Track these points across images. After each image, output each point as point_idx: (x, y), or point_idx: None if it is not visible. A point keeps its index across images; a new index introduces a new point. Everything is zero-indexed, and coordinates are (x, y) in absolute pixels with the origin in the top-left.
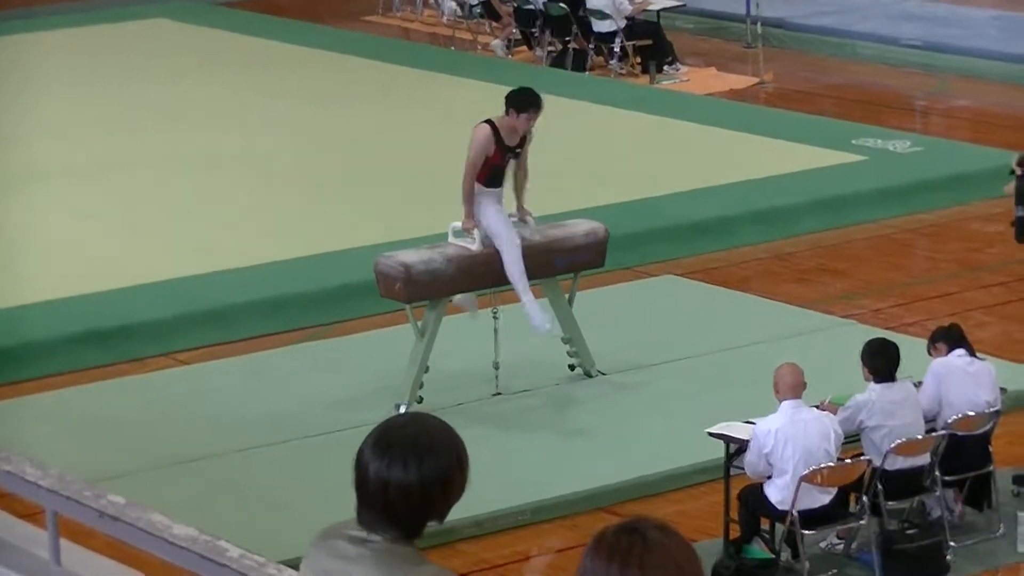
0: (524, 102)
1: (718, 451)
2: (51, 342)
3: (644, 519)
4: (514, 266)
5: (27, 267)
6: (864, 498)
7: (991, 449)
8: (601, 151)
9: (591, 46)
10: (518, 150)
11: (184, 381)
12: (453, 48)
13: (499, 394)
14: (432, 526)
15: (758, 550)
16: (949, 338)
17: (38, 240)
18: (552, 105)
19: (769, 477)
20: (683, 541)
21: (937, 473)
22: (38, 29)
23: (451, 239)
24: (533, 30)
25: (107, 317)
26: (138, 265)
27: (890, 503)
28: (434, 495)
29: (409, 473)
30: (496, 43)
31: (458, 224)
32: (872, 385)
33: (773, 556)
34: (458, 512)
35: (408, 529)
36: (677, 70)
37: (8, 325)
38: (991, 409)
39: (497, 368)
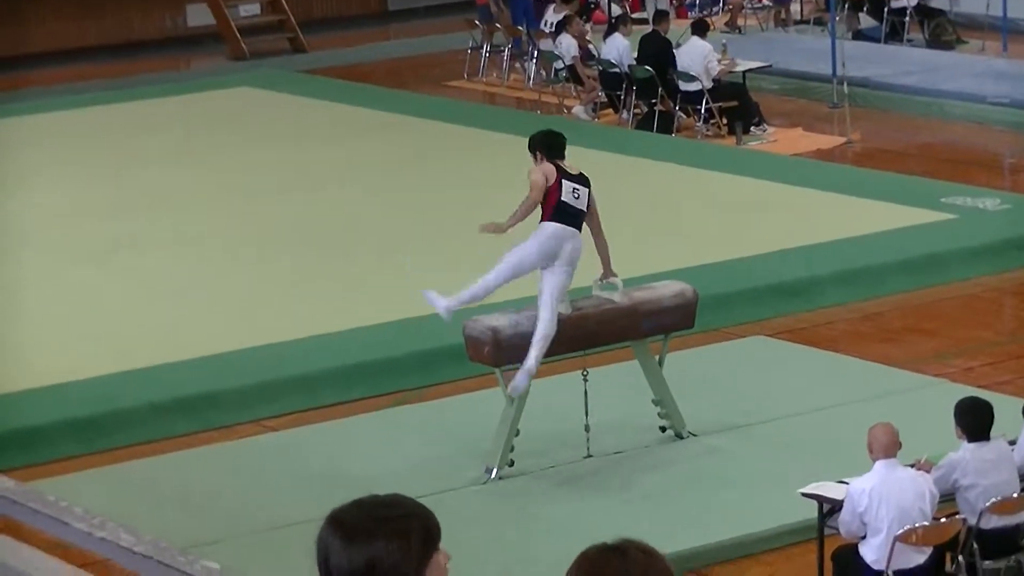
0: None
1: (811, 511)
2: (141, 410)
3: (629, 540)
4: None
5: (115, 338)
6: (960, 557)
7: None
8: (688, 212)
9: (677, 108)
10: (584, 178)
11: (273, 447)
12: (539, 112)
13: (590, 456)
14: None
15: None
16: None
17: (123, 311)
18: (639, 167)
19: (863, 537)
20: (665, 564)
21: None
22: (122, 100)
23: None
24: (619, 93)
25: (194, 385)
26: (224, 334)
27: (986, 562)
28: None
29: (342, 557)
30: (578, 108)
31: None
32: (965, 444)
33: None
34: None
35: None
36: (764, 131)
37: (99, 394)
38: None
39: (588, 430)
